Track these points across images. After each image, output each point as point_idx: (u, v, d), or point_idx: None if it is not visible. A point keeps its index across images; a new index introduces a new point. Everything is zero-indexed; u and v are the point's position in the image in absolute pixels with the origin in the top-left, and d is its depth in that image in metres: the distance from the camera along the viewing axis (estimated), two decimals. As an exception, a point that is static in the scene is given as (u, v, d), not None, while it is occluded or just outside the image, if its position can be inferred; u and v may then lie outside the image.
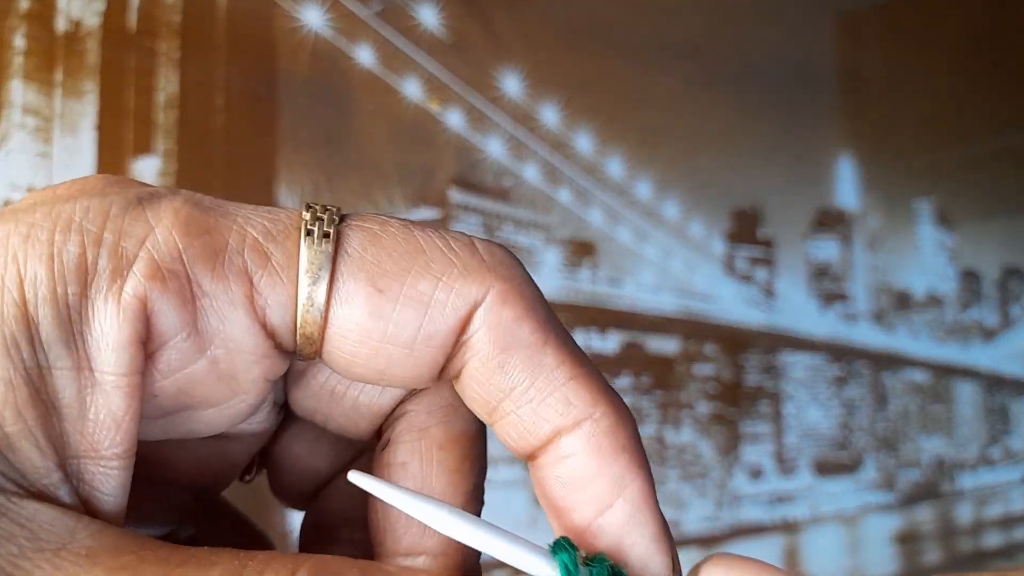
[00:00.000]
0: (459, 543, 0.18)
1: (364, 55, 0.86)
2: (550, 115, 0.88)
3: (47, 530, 0.15)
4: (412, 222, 0.18)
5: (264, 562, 0.15)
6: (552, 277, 1.09)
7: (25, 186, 0.86)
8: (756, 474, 1.18)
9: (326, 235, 0.17)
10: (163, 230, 0.16)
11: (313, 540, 0.23)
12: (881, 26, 1.12)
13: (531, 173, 0.90)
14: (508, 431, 0.18)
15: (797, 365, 1.10)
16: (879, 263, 1.17)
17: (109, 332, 0.16)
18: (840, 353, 1.12)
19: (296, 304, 0.17)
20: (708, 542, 1.14)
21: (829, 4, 1.07)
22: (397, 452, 0.19)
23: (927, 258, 1.23)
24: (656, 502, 0.18)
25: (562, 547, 0.17)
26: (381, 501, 0.19)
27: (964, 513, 1.16)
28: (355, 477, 0.17)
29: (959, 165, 1.21)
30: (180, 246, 0.16)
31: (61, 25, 0.86)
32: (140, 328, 0.16)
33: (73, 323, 0.16)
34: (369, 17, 0.85)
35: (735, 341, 1.04)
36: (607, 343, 1.19)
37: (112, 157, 0.88)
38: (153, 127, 0.90)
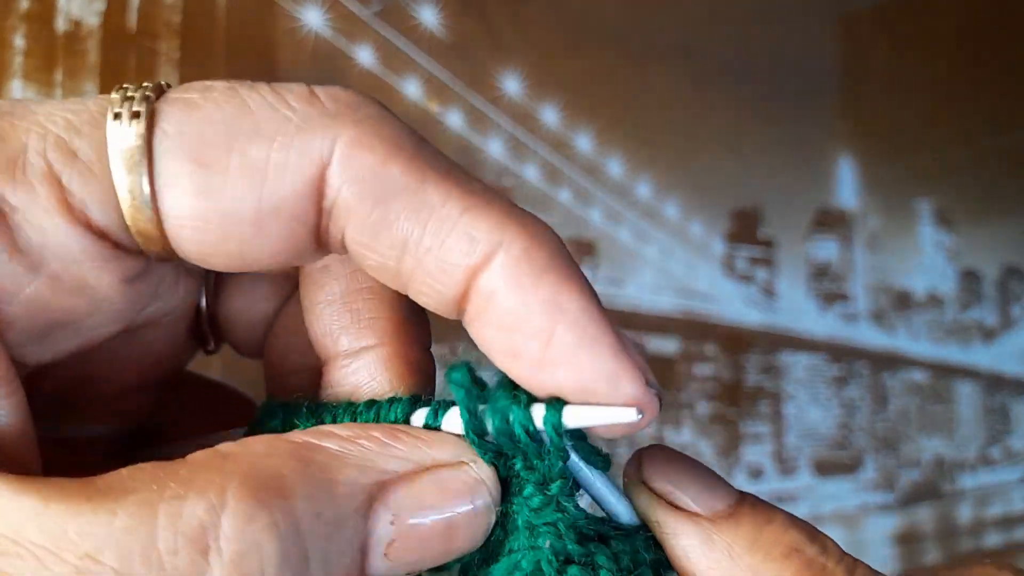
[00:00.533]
0: (397, 331, 0.17)
1: (364, 55, 0.86)
2: (550, 115, 0.88)
3: None
4: (244, 82, 0.16)
5: (186, 483, 0.14)
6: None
7: (25, 186, 0.86)
8: (756, 474, 1.18)
9: (136, 114, 0.15)
10: None
11: (274, 376, 0.21)
12: (882, 26, 1.12)
13: (531, 173, 0.90)
14: (422, 291, 0.16)
15: (797, 365, 1.10)
16: (879, 263, 1.17)
17: None
18: (840, 353, 1.12)
19: (117, 198, 0.15)
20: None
21: (829, 5, 1.07)
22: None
23: (927, 258, 1.23)
24: (603, 316, 0.16)
25: (455, 369, 0.16)
26: (313, 314, 0.17)
27: (964, 513, 1.16)
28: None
29: (959, 165, 1.21)
30: (11, 182, 0.15)
31: (61, 25, 0.86)
32: None
33: None
34: (369, 17, 0.85)
35: (735, 341, 1.04)
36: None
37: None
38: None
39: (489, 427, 0.15)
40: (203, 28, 0.90)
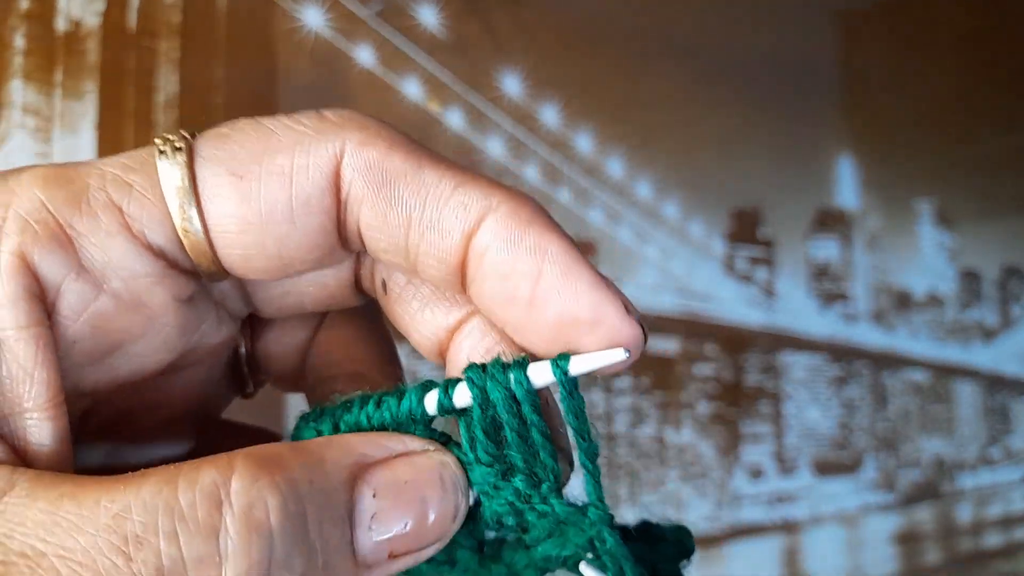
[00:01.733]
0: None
1: (364, 55, 0.86)
2: (550, 115, 0.88)
3: None
4: (264, 117, 0.19)
5: (196, 464, 0.16)
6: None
7: (25, 186, 0.87)
8: (756, 474, 1.18)
9: (178, 149, 0.18)
10: (24, 190, 0.17)
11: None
12: (881, 26, 1.12)
13: (531, 173, 0.90)
14: (428, 263, 0.18)
15: (797, 365, 1.10)
16: (879, 263, 1.17)
17: None
18: (840, 353, 1.12)
19: (171, 218, 0.18)
20: (708, 542, 1.14)
21: (829, 4, 1.07)
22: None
23: (927, 258, 1.23)
24: (581, 257, 0.18)
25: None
26: (417, 320, 0.20)
27: (964, 513, 1.16)
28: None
29: (959, 165, 1.21)
30: (43, 198, 0.17)
31: (61, 25, 0.86)
32: (27, 281, 0.17)
33: None
34: (369, 17, 0.85)
35: (735, 341, 1.04)
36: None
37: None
38: (153, 127, 0.90)
39: (493, 394, 0.18)
40: (203, 28, 0.90)
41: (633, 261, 0.99)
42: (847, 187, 1.10)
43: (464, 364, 0.19)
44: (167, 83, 0.91)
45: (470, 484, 0.18)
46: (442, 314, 0.20)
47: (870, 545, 1.16)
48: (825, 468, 1.05)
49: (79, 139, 0.90)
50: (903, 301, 1.22)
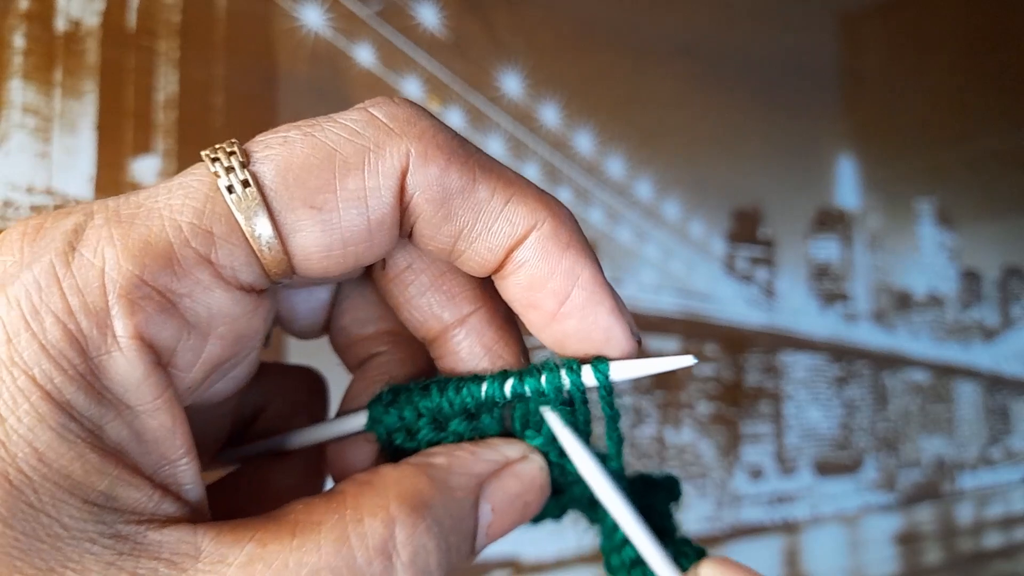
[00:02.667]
0: (484, 296, 0.21)
1: (364, 55, 0.86)
2: (550, 114, 0.88)
3: (178, 551, 0.17)
4: (306, 122, 0.19)
5: (357, 508, 0.18)
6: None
7: (25, 186, 0.86)
8: (756, 474, 1.18)
9: (245, 183, 0.18)
10: (111, 265, 0.17)
11: (346, 347, 0.25)
12: (882, 26, 1.12)
13: (531, 172, 0.90)
14: (468, 264, 0.20)
15: (797, 365, 1.10)
16: (880, 263, 1.17)
17: (126, 376, 0.17)
18: (840, 353, 1.12)
19: (257, 258, 0.18)
20: (708, 542, 1.14)
21: (830, 4, 1.07)
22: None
23: (928, 258, 1.23)
24: (607, 283, 0.20)
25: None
26: (412, 306, 0.22)
27: (965, 513, 1.16)
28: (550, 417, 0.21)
29: (960, 165, 1.21)
30: (134, 271, 0.17)
31: (61, 25, 0.86)
32: (148, 358, 0.17)
33: (94, 384, 0.17)
34: (369, 16, 0.85)
35: (735, 341, 1.04)
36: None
37: (111, 157, 0.88)
38: (153, 127, 0.90)
39: (544, 385, 0.20)
40: (203, 27, 0.90)
41: (633, 261, 0.99)
42: (847, 187, 1.10)
43: (464, 357, 0.21)
44: (167, 83, 0.91)
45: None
46: (437, 306, 0.22)
47: (870, 545, 1.16)
48: (825, 468, 1.05)
49: (79, 139, 0.90)
50: (904, 301, 1.22)
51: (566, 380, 0.20)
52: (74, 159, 0.89)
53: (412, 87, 0.84)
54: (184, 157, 0.93)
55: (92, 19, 0.88)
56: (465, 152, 0.19)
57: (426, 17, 0.83)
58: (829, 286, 1.10)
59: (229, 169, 0.18)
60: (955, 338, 1.24)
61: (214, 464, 0.26)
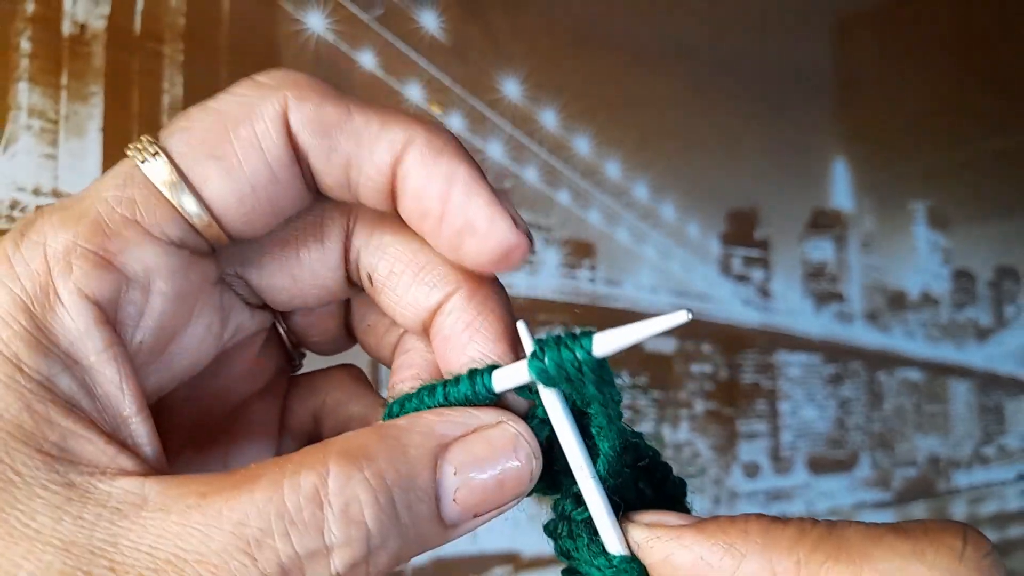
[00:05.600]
0: (465, 275, 0.22)
1: (366, 59, 0.87)
2: (549, 118, 0.89)
3: (125, 500, 0.18)
4: (204, 101, 0.21)
5: (299, 463, 0.19)
6: (552, 277, 1.10)
7: (31, 187, 0.87)
8: (752, 472, 1.19)
9: (155, 153, 0.20)
10: (51, 238, 0.19)
11: (375, 350, 0.27)
12: (876, 31, 1.13)
13: (531, 175, 0.91)
14: (367, 193, 0.21)
15: (793, 364, 1.11)
16: (874, 264, 1.18)
17: (70, 329, 0.19)
18: (835, 352, 1.13)
19: (178, 212, 0.20)
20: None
21: (825, 9, 1.08)
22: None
23: (922, 259, 1.24)
24: (484, 179, 0.21)
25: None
26: (402, 303, 0.23)
27: (959, 511, 1.16)
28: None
29: (953, 168, 1.22)
30: (69, 238, 0.19)
31: (67, 28, 0.87)
32: (91, 312, 0.19)
33: (41, 340, 0.19)
34: (371, 21, 0.86)
35: (732, 340, 1.05)
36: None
37: (117, 158, 0.89)
38: (158, 129, 0.91)
39: (547, 362, 0.20)
40: (207, 31, 0.91)
41: (631, 261, 1.01)
42: (842, 189, 1.11)
43: (448, 335, 0.22)
44: (172, 86, 0.92)
45: (542, 444, 0.21)
46: (423, 296, 0.23)
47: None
48: (820, 466, 1.06)
49: (85, 141, 0.91)
50: (898, 301, 1.23)
51: (514, 377, 0.20)
52: (80, 161, 0.90)
53: (413, 91, 0.85)
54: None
55: (98, 23, 0.89)
56: (338, 93, 0.21)
57: (427, 22, 0.84)
58: (824, 286, 1.11)
59: (141, 148, 0.20)
60: (949, 338, 1.25)
61: None
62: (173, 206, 0.20)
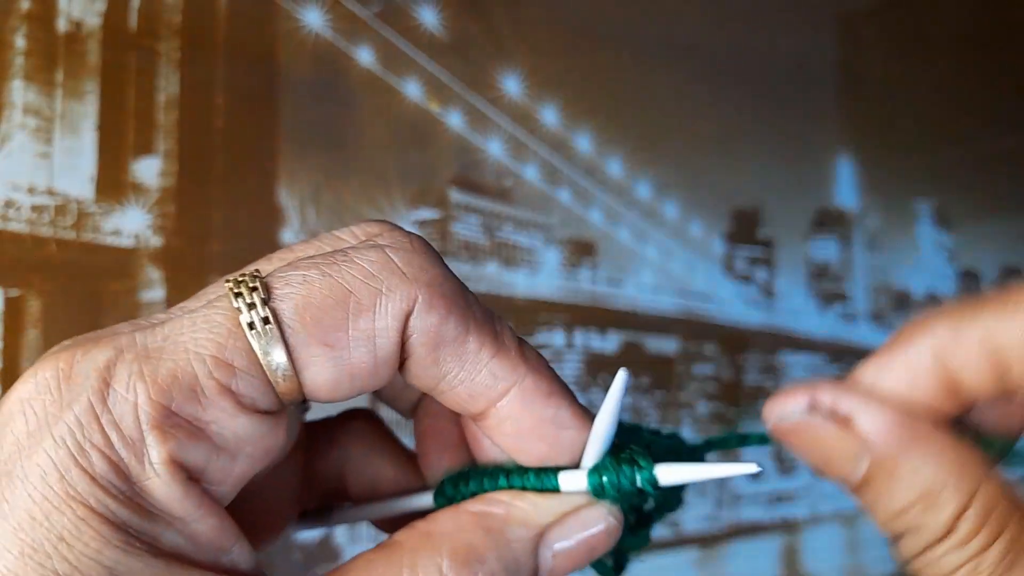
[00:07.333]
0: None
1: (364, 55, 0.86)
2: (550, 115, 0.88)
3: None
4: (324, 258, 0.21)
5: (412, 565, 0.20)
6: (552, 276, 1.09)
7: (26, 186, 0.87)
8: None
9: (266, 320, 0.20)
10: (143, 399, 0.19)
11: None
12: (880, 27, 1.12)
13: (531, 173, 0.91)
14: (450, 403, 0.22)
15: (796, 365, 1.10)
16: (878, 263, 1.17)
17: (166, 496, 0.19)
18: (839, 353, 1.12)
19: (273, 388, 0.20)
20: (708, 541, 1.14)
21: (828, 5, 1.07)
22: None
23: (926, 258, 1.23)
24: (584, 415, 0.23)
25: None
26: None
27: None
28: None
29: (958, 166, 1.22)
30: (163, 403, 0.19)
31: (62, 26, 0.86)
32: (183, 478, 0.19)
33: (143, 504, 0.19)
34: (369, 18, 0.85)
35: (735, 341, 1.04)
36: (607, 343, 1.19)
37: (113, 157, 0.89)
38: (154, 127, 0.90)
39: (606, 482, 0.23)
40: (203, 28, 0.90)
41: (633, 261, 1.00)
42: (846, 187, 1.11)
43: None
44: (168, 83, 0.91)
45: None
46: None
47: (869, 544, 1.16)
48: (824, 468, 1.05)
49: (80, 139, 0.90)
50: (902, 301, 1.23)
51: (575, 483, 0.22)
52: (75, 159, 0.89)
53: (412, 88, 0.85)
54: (185, 158, 0.93)
55: (93, 20, 0.89)
56: (465, 303, 0.21)
57: (426, 18, 0.84)
58: (828, 286, 1.10)
59: (251, 305, 0.20)
60: (954, 338, 1.24)
61: (300, 527, 0.28)
62: (269, 380, 0.20)
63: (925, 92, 1.15)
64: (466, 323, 0.21)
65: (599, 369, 1.23)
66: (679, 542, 1.14)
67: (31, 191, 0.87)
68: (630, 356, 1.15)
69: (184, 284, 0.96)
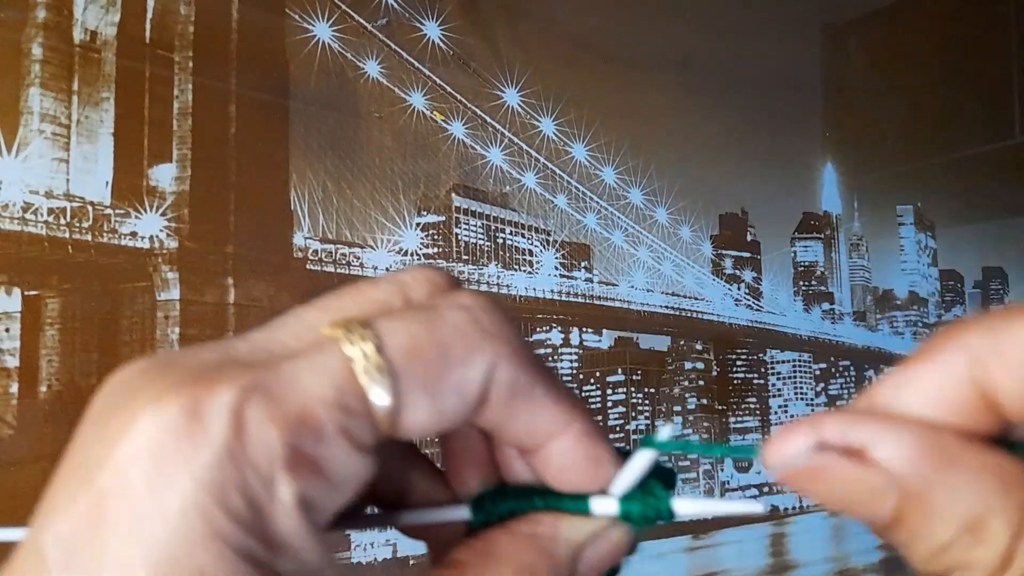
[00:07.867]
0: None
1: (371, 67, 0.89)
2: (548, 125, 0.91)
3: None
4: (419, 313, 0.23)
5: None
6: (549, 278, 1.12)
7: (43, 190, 0.89)
8: (743, 466, 1.21)
9: (380, 369, 0.22)
10: (275, 440, 0.21)
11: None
12: (864, 39, 1.15)
13: (530, 180, 0.94)
14: (508, 439, 0.25)
15: (783, 361, 1.13)
16: (862, 264, 1.20)
17: (290, 530, 0.21)
18: (824, 350, 1.15)
19: (376, 426, 0.23)
20: (697, 531, 1.17)
21: (814, 18, 1.10)
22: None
23: (909, 260, 1.26)
24: (614, 452, 0.25)
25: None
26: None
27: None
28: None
29: (940, 171, 1.24)
30: (294, 444, 0.21)
31: (78, 35, 0.88)
32: (304, 512, 0.21)
33: (273, 540, 0.21)
34: (376, 31, 0.88)
35: (723, 339, 1.07)
36: (601, 341, 1.23)
37: (128, 163, 0.91)
38: (169, 134, 0.93)
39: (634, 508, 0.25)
40: (216, 39, 0.92)
41: (626, 263, 1.03)
42: (831, 192, 1.14)
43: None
44: (181, 92, 0.94)
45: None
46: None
47: (854, 534, 1.19)
48: (809, 460, 1.08)
49: (96, 146, 0.93)
50: (886, 301, 1.26)
51: (606, 509, 0.25)
52: (92, 165, 0.92)
53: (416, 98, 0.88)
54: (198, 164, 0.96)
55: (109, 30, 0.91)
56: (534, 356, 0.24)
57: (430, 32, 0.86)
58: (813, 287, 1.13)
59: (367, 357, 0.22)
60: (935, 336, 1.27)
61: (333, 528, 0.31)
62: (375, 422, 0.22)
63: (907, 101, 1.18)
64: (534, 377, 0.23)
65: (593, 365, 1.27)
66: (670, 530, 1.17)
67: (49, 195, 0.90)
68: (623, 353, 1.18)
69: (198, 285, 0.98)
